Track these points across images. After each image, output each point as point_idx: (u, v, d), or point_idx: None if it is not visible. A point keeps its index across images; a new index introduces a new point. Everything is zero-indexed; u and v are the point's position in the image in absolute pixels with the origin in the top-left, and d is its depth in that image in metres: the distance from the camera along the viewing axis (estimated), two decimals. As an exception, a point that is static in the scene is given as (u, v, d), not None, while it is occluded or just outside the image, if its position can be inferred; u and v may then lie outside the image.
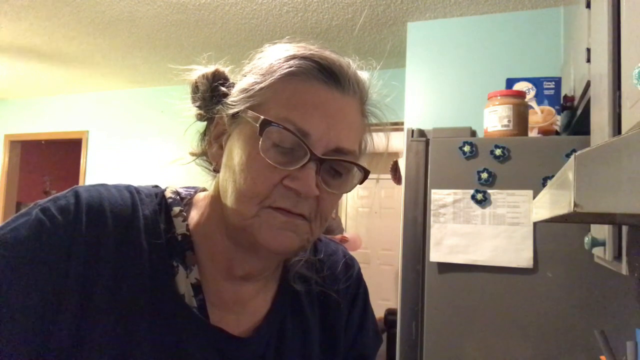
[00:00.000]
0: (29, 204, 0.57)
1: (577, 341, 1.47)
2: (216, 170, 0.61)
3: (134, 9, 2.76)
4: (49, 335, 0.49)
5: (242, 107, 0.56)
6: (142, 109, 4.36)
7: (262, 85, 0.55)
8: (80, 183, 4.52)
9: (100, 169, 4.51)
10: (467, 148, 1.61)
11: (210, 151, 0.62)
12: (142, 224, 0.57)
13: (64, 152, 5.90)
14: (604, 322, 1.43)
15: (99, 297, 0.52)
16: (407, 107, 2.80)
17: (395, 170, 3.54)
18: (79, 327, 0.50)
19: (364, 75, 0.61)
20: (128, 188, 0.60)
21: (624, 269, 0.85)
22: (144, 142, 4.31)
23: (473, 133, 1.83)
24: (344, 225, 5.28)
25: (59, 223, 0.52)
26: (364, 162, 0.60)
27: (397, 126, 3.05)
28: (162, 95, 4.06)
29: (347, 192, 0.60)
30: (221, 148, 0.60)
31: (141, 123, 4.33)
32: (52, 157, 6.08)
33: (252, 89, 0.56)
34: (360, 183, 0.60)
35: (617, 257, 0.91)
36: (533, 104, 1.83)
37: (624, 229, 0.88)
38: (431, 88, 2.75)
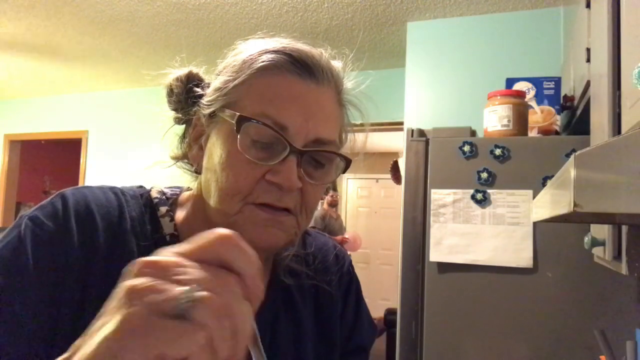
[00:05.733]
0: (29, 203, 0.56)
1: (577, 341, 1.47)
2: (198, 172, 0.61)
3: (133, 8, 2.76)
4: (51, 342, 0.49)
5: (218, 106, 0.56)
6: (142, 109, 4.35)
7: (235, 82, 0.55)
8: (80, 183, 4.52)
9: (100, 169, 4.51)
10: (467, 148, 1.61)
11: (191, 153, 0.61)
12: (129, 226, 0.56)
13: (64, 152, 5.90)
14: (604, 322, 1.43)
15: (91, 300, 0.51)
16: (407, 107, 2.80)
17: (395, 170, 3.54)
18: (74, 331, 0.50)
19: (337, 64, 0.60)
20: (112, 189, 0.59)
21: (623, 268, 0.85)
22: (143, 142, 4.31)
23: (473, 133, 1.83)
24: (344, 225, 5.27)
25: (51, 229, 0.51)
26: (345, 151, 0.60)
27: (397, 126, 3.05)
28: (162, 95, 4.05)
29: (330, 182, 0.60)
30: (201, 149, 0.59)
31: (141, 123, 4.33)
32: (52, 157, 6.08)
33: (226, 87, 0.56)
34: (343, 172, 0.60)
35: (617, 257, 0.91)
36: (533, 103, 1.83)
37: (624, 228, 0.88)
38: (431, 88, 2.75)
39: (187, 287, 0.30)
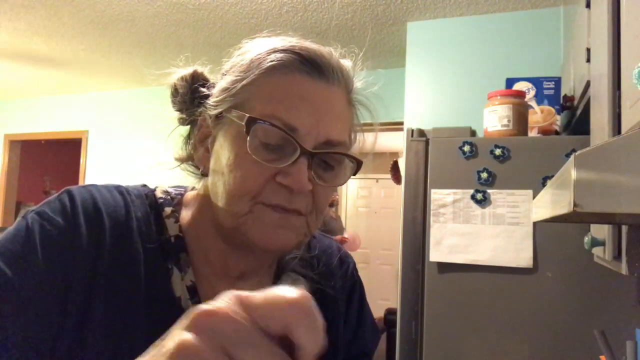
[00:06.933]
0: (29, 203, 0.55)
1: (577, 341, 1.47)
2: (204, 174, 0.60)
3: (133, 8, 2.76)
4: (57, 340, 0.48)
5: (225, 107, 0.54)
6: (142, 109, 4.36)
7: (244, 82, 0.54)
8: (80, 183, 4.52)
9: (100, 169, 4.51)
10: (467, 148, 1.61)
11: (197, 155, 0.60)
12: (135, 226, 0.55)
13: (64, 152, 5.91)
14: (604, 322, 1.43)
15: (96, 299, 0.50)
16: (407, 107, 2.80)
17: (395, 170, 3.54)
18: (80, 331, 0.49)
19: (346, 63, 0.59)
20: (118, 188, 0.59)
21: (623, 268, 0.85)
22: (143, 142, 4.31)
23: (473, 133, 1.83)
24: (343, 225, 5.27)
25: (60, 225, 0.51)
26: (355, 152, 0.59)
27: (397, 126, 3.05)
28: (162, 95, 4.05)
29: (341, 184, 0.59)
30: (207, 151, 0.58)
31: (141, 123, 4.33)
32: (52, 157, 6.09)
33: (234, 87, 0.54)
34: (354, 174, 0.58)
35: (617, 256, 0.91)
36: (533, 103, 1.83)
37: (624, 228, 0.88)
38: (431, 88, 2.75)
39: None
